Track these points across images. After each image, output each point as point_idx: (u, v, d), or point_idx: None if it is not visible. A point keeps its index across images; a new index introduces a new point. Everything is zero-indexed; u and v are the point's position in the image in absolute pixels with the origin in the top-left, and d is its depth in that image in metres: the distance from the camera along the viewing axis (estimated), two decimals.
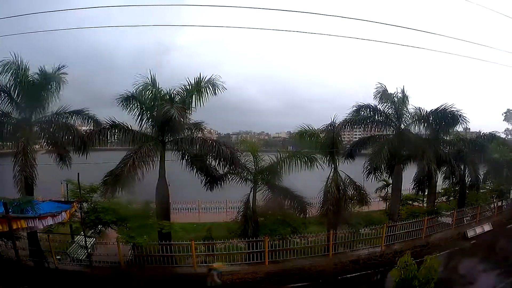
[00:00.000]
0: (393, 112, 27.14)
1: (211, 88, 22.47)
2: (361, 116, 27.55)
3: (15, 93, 20.65)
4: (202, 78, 22.55)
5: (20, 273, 17.92)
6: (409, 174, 30.97)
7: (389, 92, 27.09)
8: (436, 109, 26.93)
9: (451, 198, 35.16)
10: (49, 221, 17.81)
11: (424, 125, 28.03)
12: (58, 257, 21.00)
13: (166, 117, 20.39)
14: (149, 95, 22.40)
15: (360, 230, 24.65)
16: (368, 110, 27.43)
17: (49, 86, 20.99)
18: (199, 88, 22.41)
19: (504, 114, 56.88)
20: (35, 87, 20.66)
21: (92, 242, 22.13)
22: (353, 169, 27.49)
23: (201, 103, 22.59)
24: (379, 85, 27.18)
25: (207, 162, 23.78)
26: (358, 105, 27.36)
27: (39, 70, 20.88)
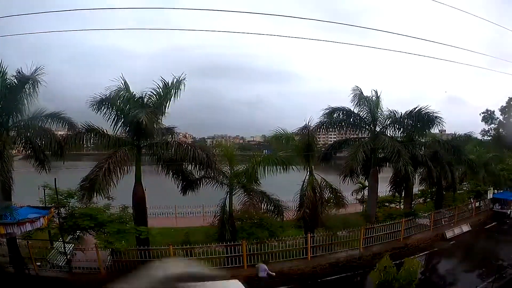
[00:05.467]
0: (367, 114, 28.07)
1: (177, 89, 22.77)
2: (336, 119, 28.45)
3: None
4: (169, 80, 22.86)
5: (1, 280, 18.41)
6: (386, 176, 31.79)
7: (364, 95, 28.03)
8: (411, 111, 27.87)
9: (428, 199, 36.29)
10: (28, 227, 18.44)
11: (399, 127, 29.10)
12: (38, 263, 21.34)
13: (136, 121, 20.75)
14: (122, 99, 22.65)
15: (338, 233, 25.25)
16: (342, 113, 28.33)
17: (26, 90, 21.00)
18: (168, 90, 22.72)
19: (483, 114, 58.21)
20: (12, 90, 20.85)
21: (71, 248, 22.62)
22: (329, 172, 28.12)
23: (172, 105, 22.98)
24: (355, 88, 28.09)
25: (183, 166, 24.20)
26: (331, 108, 28.19)
27: (17, 73, 20.98)
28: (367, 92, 28.18)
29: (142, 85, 23.25)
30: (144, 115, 20.44)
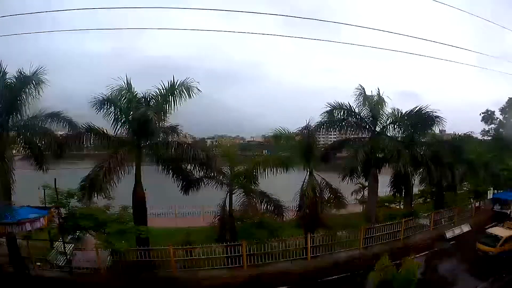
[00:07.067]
0: (368, 114, 28.09)
1: (185, 91, 22.69)
2: (336, 118, 28.34)
3: None
4: (176, 82, 22.81)
5: (1, 280, 18.47)
6: (386, 176, 31.80)
7: (366, 94, 28.04)
8: (411, 111, 27.95)
9: (428, 199, 36.55)
10: (27, 227, 18.62)
11: (399, 127, 29.10)
12: (38, 263, 21.47)
13: (143, 120, 20.93)
14: (124, 98, 22.73)
15: (338, 233, 25.42)
16: (342, 111, 28.19)
17: (27, 90, 21.06)
18: (173, 91, 22.71)
19: (482, 114, 58.23)
20: (13, 91, 20.92)
21: (71, 248, 22.65)
22: (329, 172, 28.11)
23: (176, 107, 22.84)
24: (358, 87, 28.10)
25: (183, 166, 24.34)
26: (331, 106, 27.87)
27: (18, 73, 21.03)
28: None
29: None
30: (153, 113, 20.66)
